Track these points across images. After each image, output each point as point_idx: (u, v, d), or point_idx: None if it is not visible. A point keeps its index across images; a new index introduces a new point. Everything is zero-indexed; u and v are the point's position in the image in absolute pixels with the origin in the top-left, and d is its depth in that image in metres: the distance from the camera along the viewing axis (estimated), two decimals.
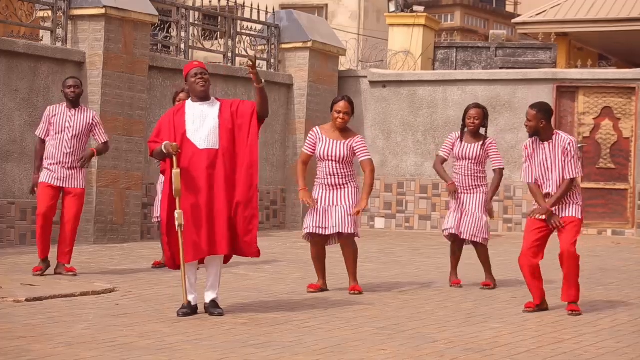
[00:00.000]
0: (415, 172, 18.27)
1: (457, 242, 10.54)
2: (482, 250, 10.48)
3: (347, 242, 9.76)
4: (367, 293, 9.81)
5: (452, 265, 10.57)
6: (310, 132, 9.88)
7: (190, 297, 8.34)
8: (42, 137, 10.69)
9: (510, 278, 11.13)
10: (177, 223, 8.16)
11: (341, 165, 9.69)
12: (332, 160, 9.68)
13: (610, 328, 8.17)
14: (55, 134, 10.59)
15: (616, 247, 15.45)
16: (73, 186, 10.61)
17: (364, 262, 11.61)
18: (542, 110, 8.92)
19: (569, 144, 8.89)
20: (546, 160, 8.93)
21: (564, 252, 8.76)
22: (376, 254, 13.61)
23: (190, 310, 8.30)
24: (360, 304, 9.14)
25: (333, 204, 9.68)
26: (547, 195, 8.94)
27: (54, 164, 10.56)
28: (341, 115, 9.70)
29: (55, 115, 10.63)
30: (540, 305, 8.93)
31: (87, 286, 9.68)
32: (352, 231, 9.69)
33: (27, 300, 8.81)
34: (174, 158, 8.20)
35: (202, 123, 8.32)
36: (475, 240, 10.41)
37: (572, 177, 8.86)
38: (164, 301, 9.07)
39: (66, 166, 10.58)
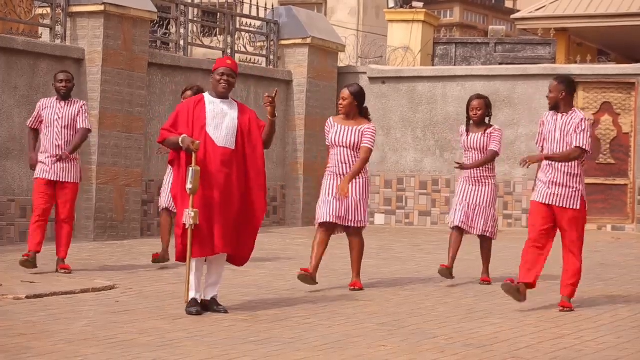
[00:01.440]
0: (415, 168, 18.26)
1: (457, 232, 10.51)
2: (488, 243, 10.48)
3: (356, 234, 9.76)
4: (368, 289, 9.81)
5: (451, 253, 10.46)
6: (326, 123, 9.93)
7: (197, 295, 8.31)
8: (32, 127, 10.82)
9: (511, 274, 11.12)
10: (191, 222, 8.11)
11: (353, 153, 9.69)
12: (343, 147, 9.70)
13: (610, 323, 8.17)
14: (47, 127, 10.69)
15: (616, 242, 15.45)
16: (67, 180, 10.64)
17: (364, 258, 11.55)
18: (564, 82, 8.92)
19: (581, 119, 8.90)
20: (555, 131, 8.88)
21: (567, 254, 8.75)
22: (376, 250, 13.60)
23: (200, 308, 8.27)
24: (360, 300, 9.14)
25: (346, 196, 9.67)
26: (550, 165, 8.85)
27: (48, 156, 10.62)
28: (340, 101, 9.80)
29: (45, 108, 10.75)
30: (520, 286, 8.71)
31: (88, 283, 9.68)
32: (363, 225, 9.72)
33: (27, 297, 8.81)
34: (194, 155, 8.17)
35: (222, 120, 8.36)
36: (485, 234, 10.41)
37: (581, 146, 8.80)
38: (165, 298, 9.07)
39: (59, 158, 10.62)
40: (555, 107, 8.93)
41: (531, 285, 8.76)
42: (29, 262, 10.47)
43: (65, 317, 7.99)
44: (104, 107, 14.20)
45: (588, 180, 17.31)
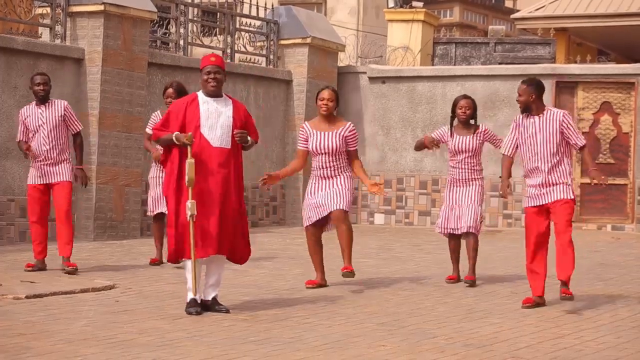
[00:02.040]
0: (415, 167, 18.26)
1: (454, 238, 10.51)
2: (473, 241, 10.40)
3: (341, 218, 9.70)
4: (367, 289, 9.81)
5: (454, 262, 10.52)
6: (300, 129, 9.94)
7: (196, 296, 8.28)
8: (25, 140, 10.74)
9: (510, 274, 11.13)
10: (189, 213, 8.06)
11: (334, 158, 9.73)
12: (325, 154, 9.71)
13: (610, 323, 8.17)
14: (33, 134, 10.66)
15: (616, 242, 15.44)
16: (59, 180, 10.63)
17: (364, 257, 11.61)
18: (532, 84, 9.01)
19: (564, 116, 8.94)
20: (535, 135, 8.93)
21: (559, 234, 8.77)
22: (376, 250, 13.61)
23: (200, 308, 8.23)
24: (360, 300, 9.14)
25: (326, 190, 9.69)
26: (535, 169, 8.91)
27: (39, 161, 10.60)
28: (324, 101, 9.79)
29: (27, 116, 10.70)
30: (539, 300, 8.92)
31: (87, 283, 9.68)
32: (345, 208, 9.68)
33: (27, 297, 8.81)
34: (189, 148, 8.13)
35: (216, 120, 8.28)
36: (469, 230, 10.35)
37: (582, 144, 8.95)
38: (164, 298, 9.07)
39: (51, 162, 10.62)
40: (526, 109, 8.99)
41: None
42: (36, 269, 10.53)
43: (64, 317, 7.99)
44: (104, 107, 14.20)
45: (588, 180, 17.36)
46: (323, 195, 9.73)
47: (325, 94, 9.82)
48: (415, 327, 7.83)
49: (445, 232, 10.48)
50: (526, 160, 9.00)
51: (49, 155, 10.62)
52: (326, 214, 9.73)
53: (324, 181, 9.77)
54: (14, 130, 13.39)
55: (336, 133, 9.73)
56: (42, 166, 10.63)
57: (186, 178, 8.10)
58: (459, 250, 10.56)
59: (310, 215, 9.77)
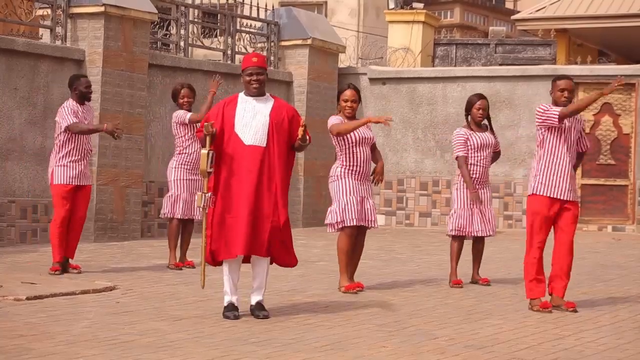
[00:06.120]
0: (415, 168, 18.27)
1: (461, 240, 10.48)
2: (483, 243, 10.45)
3: (364, 234, 9.81)
4: (368, 290, 9.80)
5: (455, 264, 10.48)
6: (334, 117, 9.72)
7: (234, 299, 8.17)
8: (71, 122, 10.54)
9: (512, 275, 11.13)
10: (201, 204, 7.94)
11: (370, 149, 9.72)
12: (364, 145, 9.64)
13: (610, 324, 8.17)
14: (72, 134, 10.55)
15: (616, 243, 15.45)
16: (85, 183, 10.66)
17: (365, 259, 11.54)
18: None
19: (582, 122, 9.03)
20: (570, 130, 8.89)
21: (565, 243, 8.71)
22: (377, 251, 13.61)
23: (237, 312, 8.12)
24: (360, 301, 9.13)
25: (366, 197, 9.67)
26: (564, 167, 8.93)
27: (74, 160, 10.50)
28: (349, 103, 9.69)
29: (76, 111, 10.55)
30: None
31: (88, 284, 9.68)
32: (377, 226, 9.83)
33: (27, 298, 8.81)
34: (208, 138, 7.98)
35: (252, 118, 8.15)
36: (489, 235, 10.37)
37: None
38: (165, 299, 9.07)
39: (84, 162, 10.61)
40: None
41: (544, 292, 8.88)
42: (60, 272, 10.50)
43: (65, 318, 7.99)
44: (104, 108, 14.20)
45: (588, 182, 17.38)
46: (363, 203, 9.65)
47: (348, 94, 9.70)
48: (416, 328, 7.83)
49: (461, 233, 10.35)
50: (553, 155, 8.81)
51: (88, 155, 10.68)
52: (370, 226, 9.76)
53: (362, 184, 9.64)
54: (15, 132, 13.42)
55: (366, 127, 9.72)
56: (76, 166, 10.54)
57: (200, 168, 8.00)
58: (460, 254, 10.53)
59: (355, 217, 9.58)
